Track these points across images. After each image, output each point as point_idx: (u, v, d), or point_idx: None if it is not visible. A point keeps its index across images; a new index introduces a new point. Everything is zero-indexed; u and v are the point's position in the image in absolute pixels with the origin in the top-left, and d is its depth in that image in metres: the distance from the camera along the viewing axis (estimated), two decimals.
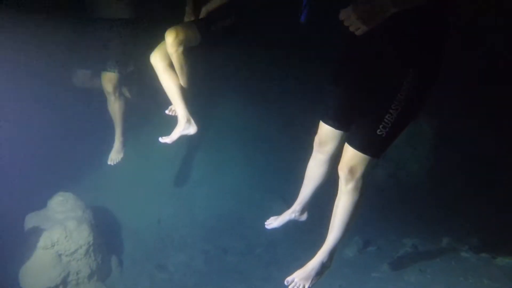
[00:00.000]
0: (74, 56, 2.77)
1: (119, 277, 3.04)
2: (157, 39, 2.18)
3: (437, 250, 3.20)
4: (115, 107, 2.83)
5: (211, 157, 3.98)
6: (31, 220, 2.62)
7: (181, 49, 2.02)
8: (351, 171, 1.56)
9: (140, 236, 3.39)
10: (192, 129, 2.17)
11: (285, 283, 1.73)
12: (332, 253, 1.74)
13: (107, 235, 3.14)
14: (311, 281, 1.73)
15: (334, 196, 2.15)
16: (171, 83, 2.12)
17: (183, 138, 2.19)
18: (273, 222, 2.09)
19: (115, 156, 2.94)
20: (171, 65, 2.12)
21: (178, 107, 2.15)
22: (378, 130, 1.47)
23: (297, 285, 1.72)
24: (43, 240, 2.43)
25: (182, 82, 2.19)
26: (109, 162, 2.93)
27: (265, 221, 2.16)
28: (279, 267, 3.23)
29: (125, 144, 3.04)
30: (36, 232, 2.47)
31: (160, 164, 3.82)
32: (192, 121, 2.16)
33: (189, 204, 3.71)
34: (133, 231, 3.41)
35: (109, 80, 2.72)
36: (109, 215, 3.40)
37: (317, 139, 1.80)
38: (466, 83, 3.85)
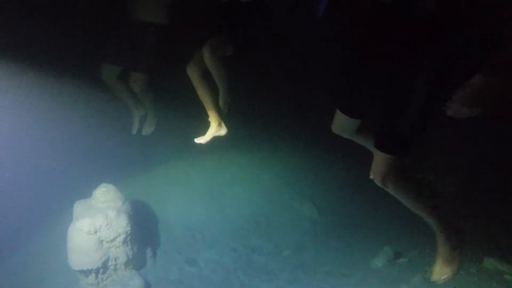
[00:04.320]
0: (107, 52, 3.04)
1: (152, 268, 3.20)
2: (188, 45, 2.40)
3: (477, 269, 2.99)
4: (146, 101, 3.29)
5: (243, 159, 4.08)
6: (79, 207, 2.84)
7: (217, 59, 2.27)
8: (385, 179, 1.67)
9: (173, 231, 3.55)
10: (222, 131, 2.50)
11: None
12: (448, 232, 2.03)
13: (143, 227, 3.32)
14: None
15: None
16: (204, 92, 2.40)
17: (217, 141, 2.51)
18: None
19: (148, 128, 3.43)
20: (205, 76, 2.37)
21: (210, 112, 2.45)
22: (405, 133, 1.55)
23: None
24: (87, 226, 2.64)
25: (220, 87, 2.43)
26: (143, 133, 3.41)
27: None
28: (306, 270, 3.22)
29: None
30: (83, 218, 2.69)
31: (195, 164, 3.99)
32: (223, 124, 2.49)
33: (221, 203, 3.82)
34: (166, 225, 3.57)
35: (137, 80, 3.05)
36: (146, 208, 3.60)
37: (333, 127, 1.90)
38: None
